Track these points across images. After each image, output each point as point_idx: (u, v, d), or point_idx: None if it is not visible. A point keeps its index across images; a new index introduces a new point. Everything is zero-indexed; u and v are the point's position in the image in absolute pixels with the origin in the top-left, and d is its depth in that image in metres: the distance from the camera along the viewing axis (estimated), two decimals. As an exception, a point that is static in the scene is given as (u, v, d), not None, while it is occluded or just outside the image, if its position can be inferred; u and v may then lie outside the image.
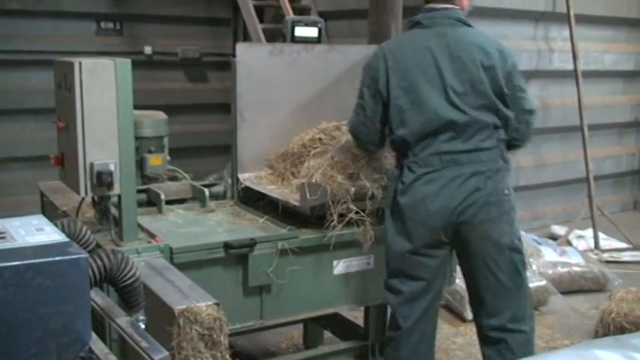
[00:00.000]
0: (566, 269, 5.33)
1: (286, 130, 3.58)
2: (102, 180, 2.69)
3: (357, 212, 3.02)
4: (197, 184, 3.61)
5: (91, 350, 1.72)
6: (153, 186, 3.48)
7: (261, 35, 6.85)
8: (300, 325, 4.17)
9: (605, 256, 6.17)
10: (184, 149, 6.52)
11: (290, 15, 6.29)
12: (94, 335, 1.77)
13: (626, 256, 6.24)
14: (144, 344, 1.87)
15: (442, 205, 2.94)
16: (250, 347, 4.19)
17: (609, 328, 4.16)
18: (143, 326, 2.01)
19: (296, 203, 3.15)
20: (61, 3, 7.45)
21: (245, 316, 3.02)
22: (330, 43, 5.12)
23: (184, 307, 2.23)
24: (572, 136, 6.97)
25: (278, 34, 6.67)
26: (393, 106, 3.01)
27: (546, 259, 5.37)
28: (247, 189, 3.47)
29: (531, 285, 4.96)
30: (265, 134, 3.56)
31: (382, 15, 4.92)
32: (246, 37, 7.69)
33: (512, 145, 3.15)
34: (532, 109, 3.14)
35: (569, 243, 6.36)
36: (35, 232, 1.81)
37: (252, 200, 3.49)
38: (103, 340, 1.94)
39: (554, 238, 6.61)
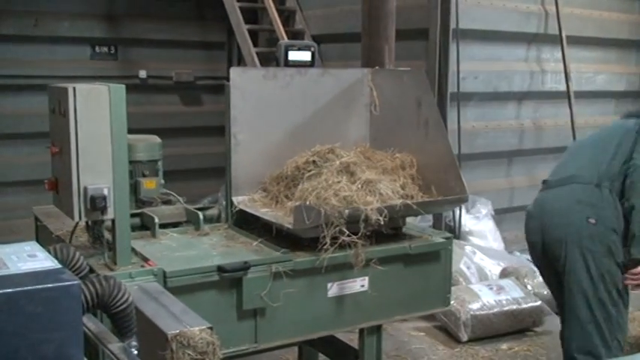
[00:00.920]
0: (561, 290, 5.32)
1: (280, 153, 3.59)
2: (95, 204, 2.69)
3: (348, 235, 3.02)
4: (191, 207, 3.61)
5: (83, 376, 1.72)
6: (147, 210, 3.48)
7: (256, 59, 6.91)
8: (295, 348, 4.16)
9: (600, 276, 6.16)
10: (179, 172, 6.54)
11: (284, 39, 6.34)
12: (86, 361, 1.77)
13: (622, 276, 6.23)
14: (136, 370, 1.87)
15: None
16: (245, 371, 4.17)
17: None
18: (135, 352, 2.01)
19: (290, 226, 3.16)
20: (56, 28, 7.52)
21: (239, 339, 3.01)
22: (324, 67, 5.18)
23: (177, 331, 2.22)
24: (566, 157, 6.99)
25: (272, 57, 6.70)
26: None
27: (541, 280, 5.37)
28: (241, 212, 3.48)
29: (526, 305, 4.99)
30: (259, 157, 3.58)
31: (375, 38, 4.97)
32: (241, 61, 7.75)
33: None
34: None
35: (564, 263, 6.35)
36: (27, 258, 1.80)
37: (247, 223, 3.49)
38: (96, 367, 1.94)
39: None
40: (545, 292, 5.24)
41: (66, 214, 2.87)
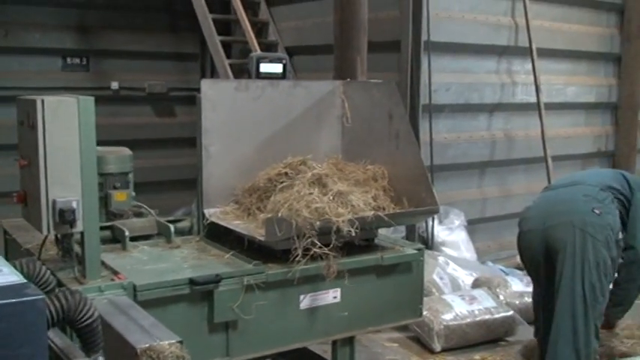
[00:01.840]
0: (533, 299, 5.36)
1: (252, 165, 3.59)
2: (64, 217, 2.67)
3: (320, 247, 3.03)
4: (162, 219, 3.59)
5: (49, 393, 1.69)
6: (117, 222, 3.46)
7: (229, 70, 6.90)
8: (269, 361, 4.13)
9: (572, 285, 6.22)
10: (152, 184, 6.50)
11: (257, 51, 6.34)
12: (52, 377, 1.75)
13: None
14: (103, 385, 1.85)
15: None
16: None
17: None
18: (102, 367, 1.99)
19: (262, 238, 3.15)
20: (27, 39, 7.44)
21: (210, 353, 2.99)
22: (296, 79, 5.20)
23: (147, 345, 2.20)
24: (537, 168, 7.07)
25: (245, 68, 6.72)
26: None
27: (513, 290, 5.42)
28: (213, 224, 3.46)
29: (498, 315, 5.02)
30: (231, 169, 3.57)
31: (347, 50, 5.00)
32: (214, 72, 7.74)
33: None
34: None
35: (536, 273, 6.41)
36: (-8, 273, 1.78)
37: (219, 235, 3.47)
38: (63, 382, 1.91)
39: (521, 268, 6.65)
40: (517, 302, 5.29)
41: (35, 227, 2.84)
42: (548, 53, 7.10)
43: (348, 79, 4.26)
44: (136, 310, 2.58)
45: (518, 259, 6.83)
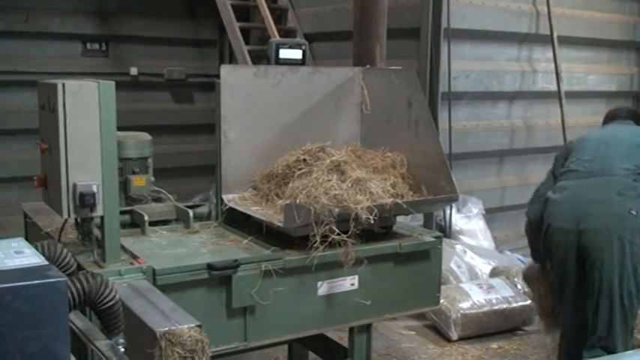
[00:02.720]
0: (551, 289, 5.34)
1: (271, 152, 3.59)
2: (85, 201, 2.68)
3: (338, 234, 3.02)
4: (181, 205, 3.60)
5: (70, 374, 1.71)
6: (136, 207, 3.48)
7: (247, 56, 6.89)
8: (285, 347, 4.16)
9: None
10: (170, 170, 6.53)
11: (276, 37, 6.33)
12: (73, 359, 1.76)
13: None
14: (123, 367, 1.86)
15: None
16: (235, 369, 4.17)
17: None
18: (122, 349, 2.00)
19: (280, 224, 3.15)
20: (47, 24, 7.48)
21: (228, 337, 3.01)
22: (315, 65, 5.17)
23: (166, 329, 2.22)
24: (557, 157, 7.01)
25: (264, 55, 6.69)
26: None
27: (531, 279, 5.38)
28: (231, 210, 3.47)
29: (516, 305, 5.00)
30: (250, 155, 3.57)
31: (366, 37, 4.97)
32: (232, 59, 7.73)
33: None
34: None
35: (554, 263, 6.37)
36: (14, 255, 1.79)
37: (237, 221, 3.48)
38: (83, 364, 1.93)
39: (538, 258, 6.62)
40: (535, 292, 5.26)
41: (55, 210, 2.86)
42: (569, 41, 7.02)
43: (368, 66, 4.24)
44: (155, 294, 2.59)
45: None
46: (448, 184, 3.38)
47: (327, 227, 3.02)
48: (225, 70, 3.49)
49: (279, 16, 7.55)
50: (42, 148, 2.87)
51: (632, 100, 8.03)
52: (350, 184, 3.22)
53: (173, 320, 2.29)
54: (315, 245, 3.02)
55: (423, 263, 3.51)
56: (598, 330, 3.55)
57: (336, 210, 3.05)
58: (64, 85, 2.64)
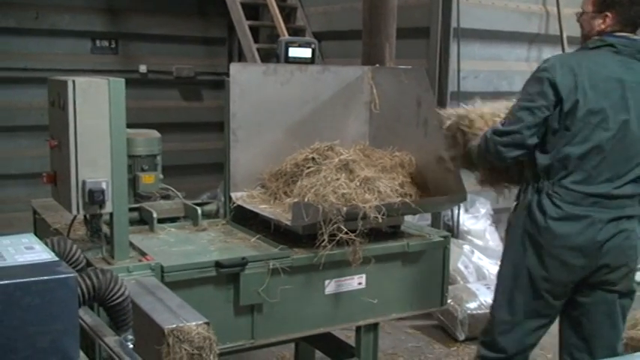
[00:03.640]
0: (558, 290, 5.32)
1: (279, 150, 3.59)
2: (94, 198, 2.69)
3: (346, 232, 3.03)
4: (189, 202, 3.61)
5: (78, 370, 1.71)
6: (145, 204, 3.49)
7: (256, 55, 6.90)
8: (292, 345, 4.16)
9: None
10: (178, 167, 6.54)
11: (285, 35, 6.33)
12: (82, 354, 1.77)
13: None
14: (132, 364, 1.87)
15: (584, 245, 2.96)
16: (241, 367, 4.18)
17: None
18: (131, 346, 2.01)
19: (288, 223, 3.16)
20: (57, 21, 7.51)
21: (236, 335, 3.01)
22: (324, 64, 5.17)
23: (174, 326, 2.22)
24: (565, 157, 6.99)
25: (273, 53, 6.70)
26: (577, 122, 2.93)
27: (539, 280, 5.37)
28: (240, 208, 3.48)
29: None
30: (258, 153, 3.57)
31: (376, 36, 4.97)
32: (241, 57, 7.75)
33: None
34: None
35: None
36: (25, 250, 1.80)
37: (245, 219, 3.49)
38: (92, 360, 1.93)
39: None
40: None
41: (64, 207, 2.87)
42: (578, 42, 6.99)
43: (377, 65, 4.23)
44: (164, 291, 2.60)
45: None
46: (456, 184, 3.37)
47: (335, 226, 3.02)
48: (235, 68, 3.49)
49: (288, 14, 7.56)
50: (51, 145, 2.88)
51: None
52: (358, 183, 3.22)
53: (181, 317, 2.30)
54: (322, 244, 3.03)
55: (431, 263, 3.51)
56: None
57: (344, 209, 3.05)
58: (74, 82, 2.65)
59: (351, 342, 3.80)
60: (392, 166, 3.52)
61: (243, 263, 2.95)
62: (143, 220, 3.42)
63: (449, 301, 3.95)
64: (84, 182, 2.69)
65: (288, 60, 3.72)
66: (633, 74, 2.99)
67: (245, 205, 3.45)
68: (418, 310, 3.67)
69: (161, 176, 3.73)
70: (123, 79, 2.75)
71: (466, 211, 6.19)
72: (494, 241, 6.23)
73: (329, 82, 3.75)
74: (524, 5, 6.63)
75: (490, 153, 3.07)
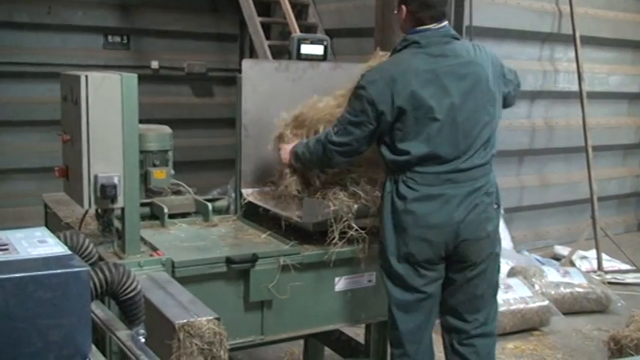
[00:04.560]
0: (568, 290, 5.31)
1: (290, 147, 3.58)
2: (106, 193, 2.70)
3: (357, 230, 3.02)
4: (200, 198, 3.62)
5: (90, 363, 1.72)
6: (156, 200, 3.50)
7: (268, 51, 6.90)
8: (301, 341, 4.16)
9: (608, 277, 6.15)
10: (189, 163, 6.55)
11: (296, 32, 6.33)
12: (93, 348, 1.77)
13: (630, 278, 6.22)
14: (143, 358, 1.87)
15: (443, 222, 2.96)
16: (250, 363, 4.19)
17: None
18: (143, 340, 2.01)
19: (298, 219, 3.16)
20: (69, 16, 7.53)
21: (246, 331, 3.02)
22: (336, 61, 5.16)
23: (185, 321, 2.23)
24: (577, 157, 6.97)
25: (284, 50, 6.71)
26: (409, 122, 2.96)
27: (549, 280, 5.36)
28: (250, 204, 3.48)
29: (533, 305, 4.97)
30: (270, 150, 3.57)
31: (388, 33, 4.96)
32: (253, 53, 7.74)
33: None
34: (518, 81, 3.43)
35: (572, 264, 6.34)
36: (38, 244, 1.81)
37: (256, 215, 3.49)
38: (103, 353, 1.94)
39: (557, 258, 6.60)
40: (553, 292, 5.23)
41: (76, 201, 2.88)
42: (591, 41, 6.96)
43: (389, 63, 4.22)
44: (174, 286, 2.61)
45: (555, 249, 6.79)
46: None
47: (346, 223, 3.02)
48: (247, 65, 3.50)
49: (300, 11, 7.55)
50: (64, 140, 2.89)
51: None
52: (368, 180, 3.22)
53: (192, 312, 2.31)
54: (333, 241, 3.03)
55: (441, 261, 3.50)
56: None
57: (355, 206, 3.04)
58: (87, 77, 2.66)
59: (360, 339, 3.81)
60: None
61: (253, 259, 2.96)
62: (154, 216, 3.43)
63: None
64: (96, 177, 2.70)
65: (300, 57, 3.71)
66: (443, 60, 3.00)
67: (256, 202, 3.45)
68: (428, 308, 3.65)
69: (172, 172, 3.73)
70: (136, 75, 2.76)
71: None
72: (504, 240, 6.20)
73: (341, 79, 3.73)
74: (537, 4, 6.61)
75: (327, 158, 3.11)
